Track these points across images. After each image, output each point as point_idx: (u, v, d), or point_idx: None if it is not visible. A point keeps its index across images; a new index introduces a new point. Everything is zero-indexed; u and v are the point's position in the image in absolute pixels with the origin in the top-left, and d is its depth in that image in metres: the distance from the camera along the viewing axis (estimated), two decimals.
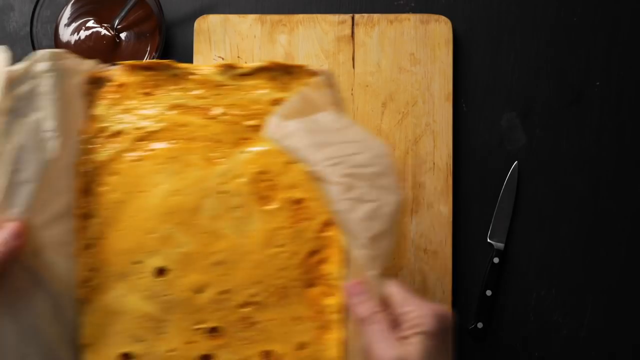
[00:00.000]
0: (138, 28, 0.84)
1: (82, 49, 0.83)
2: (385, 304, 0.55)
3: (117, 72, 0.66)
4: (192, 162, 0.65)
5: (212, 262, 0.65)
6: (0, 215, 0.57)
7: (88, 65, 0.65)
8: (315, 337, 0.66)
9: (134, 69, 0.65)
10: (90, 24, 0.84)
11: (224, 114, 0.65)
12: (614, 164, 0.85)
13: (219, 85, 0.65)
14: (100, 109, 0.65)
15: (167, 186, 0.64)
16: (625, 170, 0.85)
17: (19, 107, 0.59)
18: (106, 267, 0.65)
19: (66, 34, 0.84)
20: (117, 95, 0.65)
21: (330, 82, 0.63)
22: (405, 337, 0.54)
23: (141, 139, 0.65)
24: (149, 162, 0.65)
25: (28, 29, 0.81)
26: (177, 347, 0.65)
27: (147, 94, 0.65)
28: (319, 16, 0.82)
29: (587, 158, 0.85)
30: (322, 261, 0.66)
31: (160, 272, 0.65)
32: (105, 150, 0.65)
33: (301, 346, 0.66)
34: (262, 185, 0.65)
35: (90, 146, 0.65)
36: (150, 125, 0.65)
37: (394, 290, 0.55)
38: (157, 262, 0.65)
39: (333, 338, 0.66)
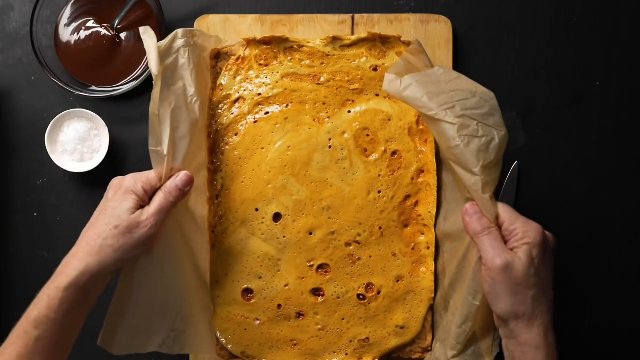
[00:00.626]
0: (138, 28, 0.78)
1: (82, 49, 0.82)
2: (496, 223, 0.65)
3: (237, 47, 0.77)
4: (303, 122, 0.76)
5: (321, 207, 0.76)
6: (170, 165, 0.68)
7: (213, 41, 0.76)
8: (410, 271, 0.77)
9: (252, 43, 0.76)
10: (90, 24, 0.82)
11: (330, 79, 0.76)
12: (614, 164, 0.84)
13: (325, 55, 0.76)
14: (224, 79, 0.76)
15: (282, 143, 0.76)
16: (625, 170, 0.85)
17: (167, 76, 0.70)
18: (231, 214, 0.76)
19: (66, 34, 0.82)
20: (238, 67, 0.76)
21: (422, 49, 0.74)
22: (513, 249, 0.63)
23: (259, 103, 0.76)
24: (267, 123, 0.76)
25: (28, 29, 0.80)
26: (291, 282, 0.76)
27: (263, 65, 0.77)
28: (319, 16, 0.81)
29: (587, 158, 0.85)
30: (416, 204, 0.77)
31: (277, 217, 0.76)
32: (229, 114, 0.76)
33: (398, 278, 0.77)
34: (364, 140, 0.76)
35: (217, 111, 0.76)
36: (266, 91, 0.76)
37: (504, 211, 0.65)
38: (274, 208, 0.76)
39: (426, 271, 0.77)
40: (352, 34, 0.81)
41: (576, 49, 0.85)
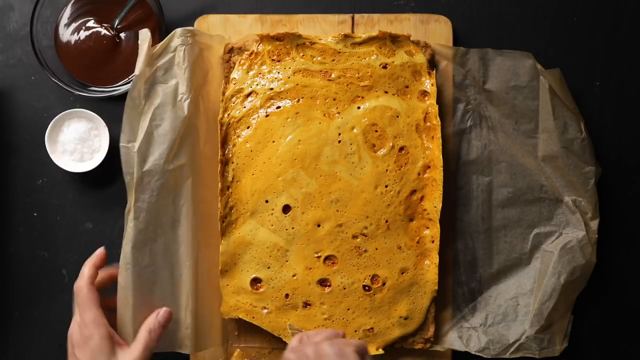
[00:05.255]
0: (138, 28, 0.81)
1: (82, 49, 0.82)
2: None
3: (250, 43, 0.79)
4: (313, 117, 0.78)
5: (330, 200, 0.78)
6: (141, 156, 0.73)
7: (217, 40, 0.79)
8: (415, 263, 0.79)
9: (265, 39, 0.78)
10: (90, 24, 0.82)
11: (340, 76, 0.78)
12: (614, 165, 0.85)
13: (336, 52, 0.78)
14: (237, 74, 0.78)
15: (293, 137, 0.78)
16: (625, 171, 0.85)
17: (159, 75, 0.74)
18: (241, 205, 0.78)
19: (66, 34, 0.82)
20: (251, 62, 0.78)
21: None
22: None
23: (271, 98, 0.78)
24: (278, 117, 0.78)
25: (28, 29, 0.80)
26: (299, 272, 0.78)
27: (276, 60, 0.79)
28: (319, 16, 0.81)
29: None
30: (421, 199, 0.79)
31: (286, 209, 0.78)
32: (241, 108, 0.78)
33: (403, 271, 0.79)
34: (373, 135, 0.78)
35: (230, 104, 0.78)
36: (278, 86, 0.78)
37: None
38: (283, 200, 0.78)
39: (430, 264, 0.79)
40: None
41: (576, 49, 0.85)
